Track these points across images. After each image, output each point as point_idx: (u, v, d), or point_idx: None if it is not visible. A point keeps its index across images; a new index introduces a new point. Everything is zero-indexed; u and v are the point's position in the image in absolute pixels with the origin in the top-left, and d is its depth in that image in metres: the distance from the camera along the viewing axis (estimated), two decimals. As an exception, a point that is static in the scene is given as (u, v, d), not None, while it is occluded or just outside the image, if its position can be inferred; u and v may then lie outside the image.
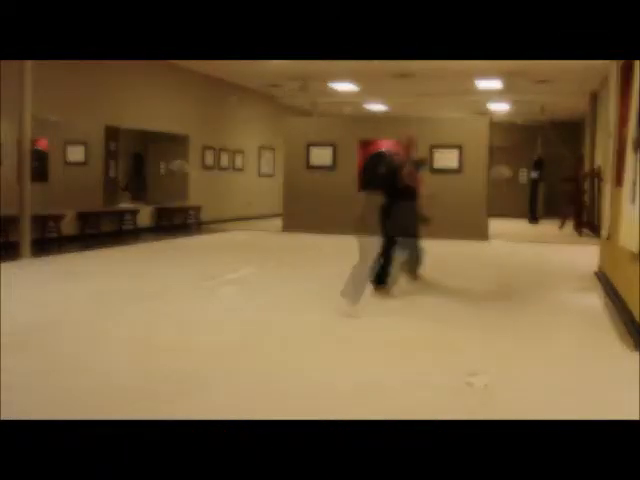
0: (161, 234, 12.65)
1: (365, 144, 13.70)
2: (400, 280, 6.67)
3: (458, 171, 13.07)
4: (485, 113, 18.46)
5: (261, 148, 18.05)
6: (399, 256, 6.51)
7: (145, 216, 13.24)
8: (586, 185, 14.91)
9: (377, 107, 19.12)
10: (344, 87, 15.99)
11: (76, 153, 11.64)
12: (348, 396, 3.57)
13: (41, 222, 10.27)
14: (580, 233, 14.16)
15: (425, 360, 4.32)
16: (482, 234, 12.81)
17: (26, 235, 8.78)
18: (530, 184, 18.54)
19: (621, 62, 6.66)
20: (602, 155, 10.13)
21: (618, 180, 6.42)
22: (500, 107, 18.14)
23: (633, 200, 5.10)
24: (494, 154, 15.19)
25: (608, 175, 7.52)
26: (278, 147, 17.39)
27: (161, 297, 6.23)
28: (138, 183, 14.33)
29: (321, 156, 13.79)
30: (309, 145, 13.89)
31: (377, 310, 5.80)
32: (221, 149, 15.88)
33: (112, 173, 12.56)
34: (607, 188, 7.60)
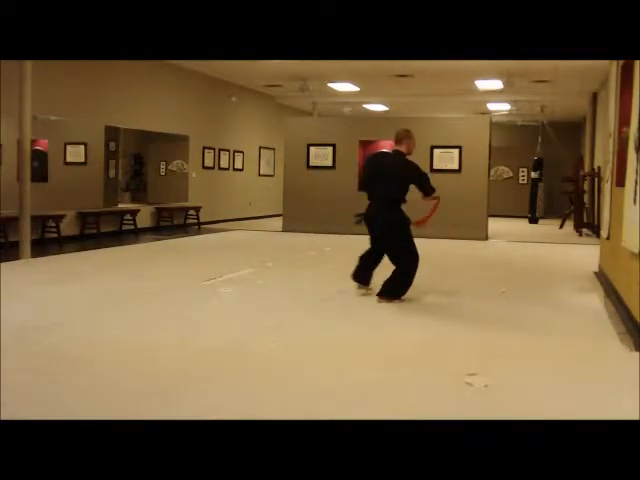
0: (161, 234, 12.65)
1: (365, 144, 13.71)
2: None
3: (458, 171, 13.07)
4: (485, 113, 18.47)
5: (261, 148, 18.05)
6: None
7: (145, 216, 13.24)
8: (586, 185, 14.92)
9: (377, 107, 19.12)
10: (344, 87, 15.99)
11: (76, 153, 11.63)
12: (348, 396, 3.57)
13: (41, 222, 10.27)
14: (580, 233, 14.17)
15: (425, 360, 4.32)
16: (482, 234, 12.82)
17: (26, 235, 8.77)
18: (530, 184, 18.55)
19: (621, 62, 6.66)
20: (602, 155, 10.12)
21: (618, 180, 6.42)
22: (500, 107, 18.14)
23: (635, 201, 5.10)
24: (494, 154, 15.18)
25: (608, 175, 7.51)
26: (278, 147, 17.39)
27: (161, 297, 6.23)
28: (138, 183, 14.34)
29: (321, 156, 13.80)
30: (309, 145, 13.89)
31: (377, 310, 5.81)
32: (221, 149, 15.88)
33: (112, 173, 12.56)
34: (607, 188, 7.60)
